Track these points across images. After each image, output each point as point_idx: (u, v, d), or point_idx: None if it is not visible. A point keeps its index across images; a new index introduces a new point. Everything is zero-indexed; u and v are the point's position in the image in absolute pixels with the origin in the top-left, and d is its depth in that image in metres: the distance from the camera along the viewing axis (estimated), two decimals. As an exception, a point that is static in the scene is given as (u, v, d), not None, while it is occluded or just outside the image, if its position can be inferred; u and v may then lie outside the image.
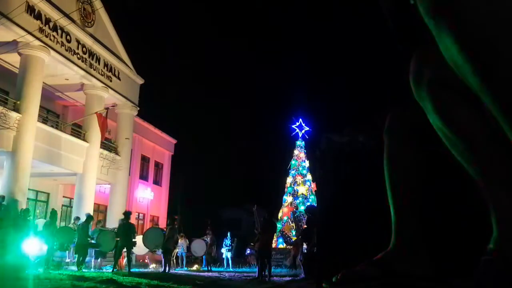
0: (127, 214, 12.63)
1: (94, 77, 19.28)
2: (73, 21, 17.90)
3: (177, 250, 16.15)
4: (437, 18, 0.82)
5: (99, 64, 19.78)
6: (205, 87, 59.79)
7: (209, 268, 15.66)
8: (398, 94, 1.44)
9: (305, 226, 14.82)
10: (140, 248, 14.01)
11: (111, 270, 11.83)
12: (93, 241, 13.13)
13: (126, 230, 12.11)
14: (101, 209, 22.24)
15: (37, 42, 16.02)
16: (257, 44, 64.59)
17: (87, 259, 13.26)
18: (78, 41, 18.47)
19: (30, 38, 15.69)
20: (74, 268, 11.79)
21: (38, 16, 16.28)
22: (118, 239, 12.31)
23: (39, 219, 16.43)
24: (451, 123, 1.05)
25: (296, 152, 29.08)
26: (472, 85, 0.82)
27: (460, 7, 0.78)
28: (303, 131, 29.56)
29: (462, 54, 0.79)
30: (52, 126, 17.98)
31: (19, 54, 15.96)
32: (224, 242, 19.08)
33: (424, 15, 0.85)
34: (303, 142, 29.31)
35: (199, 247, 16.37)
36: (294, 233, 24.65)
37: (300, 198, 27.22)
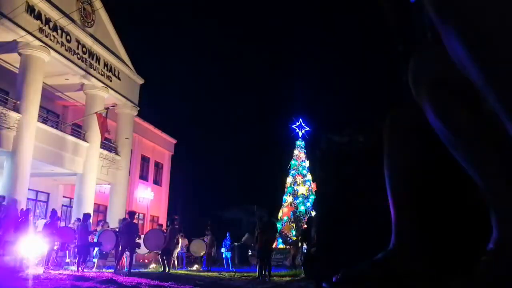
0: (131, 214, 12.61)
1: (94, 77, 19.28)
2: (73, 21, 17.90)
3: (178, 250, 16.15)
4: (444, 15, 0.82)
5: (99, 64, 19.78)
6: (205, 87, 59.83)
7: (208, 268, 15.67)
8: (398, 94, 1.44)
9: (305, 226, 14.83)
10: (142, 248, 14.03)
11: (113, 270, 11.81)
12: (94, 241, 13.13)
13: (129, 230, 12.10)
14: (101, 209, 22.24)
15: (37, 42, 16.02)
16: (257, 44, 64.60)
17: (88, 259, 13.25)
18: (78, 41, 18.47)
19: (30, 38, 15.69)
20: (74, 268, 11.78)
21: (38, 16, 16.28)
22: (121, 238, 12.32)
23: (39, 219, 16.43)
24: (451, 124, 1.05)
25: (296, 152, 29.12)
26: (477, 83, 0.82)
27: (468, 5, 0.79)
28: (303, 131, 29.60)
29: (468, 51, 0.80)
30: (52, 126, 17.97)
31: (19, 54, 15.97)
32: (223, 243, 19.08)
33: (431, 12, 0.85)
34: (303, 142, 29.36)
35: (198, 247, 16.37)
36: (294, 233, 24.65)
37: (300, 198, 27.24)
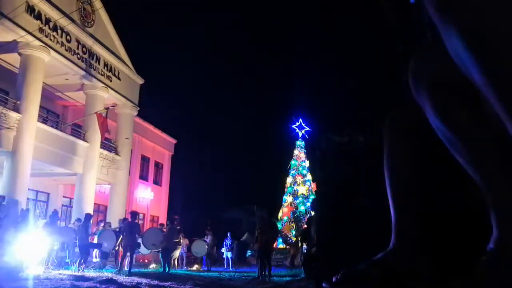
0: (133, 214, 12.66)
1: (94, 77, 19.28)
2: (73, 21, 17.90)
3: (179, 250, 16.14)
4: (444, 14, 0.82)
5: (99, 64, 19.78)
6: (205, 87, 59.83)
7: (208, 268, 15.66)
8: (398, 94, 1.44)
9: (305, 226, 14.82)
10: (144, 248, 14.02)
11: (115, 270, 11.80)
12: (94, 241, 13.14)
13: (131, 230, 12.14)
14: (101, 209, 22.24)
15: (37, 42, 16.02)
16: (258, 44, 64.59)
17: (88, 259, 13.25)
18: (78, 41, 18.47)
19: (30, 38, 15.69)
20: (74, 268, 11.79)
21: (38, 16, 16.28)
22: (121, 238, 12.34)
23: (39, 219, 16.42)
24: (451, 124, 1.05)
25: (296, 152, 29.11)
26: (477, 82, 0.82)
27: (468, 4, 0.78)
28: (303, 131, 29.59)
29: (468, 51, 0.79)
30: (52, 126, 17.97)
31: (19, 54, 15.97)
32: (224, 242, 19.09)
33: (431, 12, 0.85)
34: (303, 142, 29.35)
35: (200, 247, 16.37)
36: (294, 233, 24.65)
37: (300, 198, 27.23)
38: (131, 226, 12.15)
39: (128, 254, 12.46)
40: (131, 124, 22.23)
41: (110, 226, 15.37)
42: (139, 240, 13.54)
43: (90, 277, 8.34)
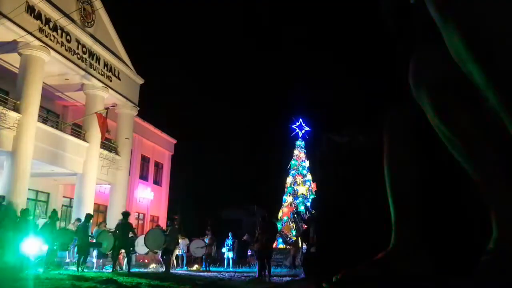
0: (125, 214, 12.65)
1: (94, 77, 19.27)
2: (73, 21, 17.89)
3: (177, 250, 16.13)
4: (444, 11, 0.82)
5: (99, 64, 19.77)
6: (205, 86, 59.86)
7: (207, 269, 15.65)
8: (398, 94, 1.44)
9: (305, 226, 14.83)
10: (142, 247, 14.01)
11: (111, 270, 11.83)
12: (94, 241, 13.13)
13: (124, 230, 12.13)
14: (101, 209, 22.23)
15: (37, 42, 16.01)
16: (257, 43, 64.61)
17: (88, 259, 13.25)
18: (78, 41, 18.46)
19: (30, 38, 15.68)
20: (74, 268, 11.79)
21: (38, 16, 16.28)
22: (116, 238, 12.34)
23: (39, 219, 16.42)
24: (451, 124, 1.05)
25: (296, 152, 29.12)
26: (478, 82, 0.82)
27: (468, 5, 0.78)
28: (303, 131, 29.59)
29: (469, 51, 0.79)
30: (52, 126, 17.96)
31: (19, 54, 15.95)
32: (225, 242, 19.08)
33: (432, 13, 0.85)
34: (303, 142, 29.35)
35: (197, 247, 16.37)
36: (294, 233, 24.66)
37: (300, 198, 27.24)
38: (123, 226, 12.15)
39: (124, 254, 12.46)
40: (131, 124, 22.22)
41: (105, 226, 15.33)
42: (139, 240, 13.54)
43: (90, 277, 8.34)
